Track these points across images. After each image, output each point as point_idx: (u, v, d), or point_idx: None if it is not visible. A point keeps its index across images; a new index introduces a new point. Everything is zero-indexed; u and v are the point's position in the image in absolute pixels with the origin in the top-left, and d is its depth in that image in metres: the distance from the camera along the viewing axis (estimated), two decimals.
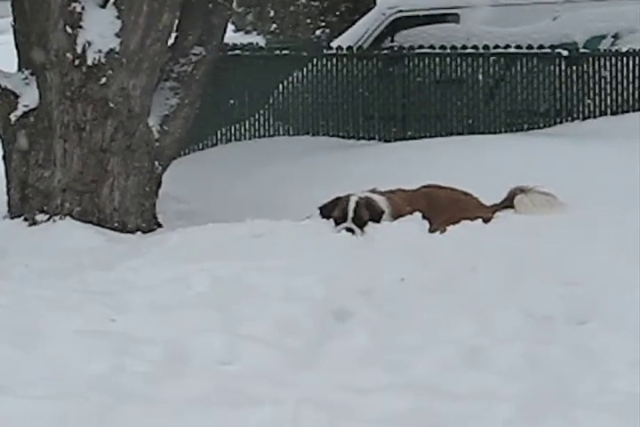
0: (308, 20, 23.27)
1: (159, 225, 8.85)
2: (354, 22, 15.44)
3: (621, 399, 4.44)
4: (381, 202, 7.53)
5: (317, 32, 22.51)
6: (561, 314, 5.73)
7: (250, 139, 12.28)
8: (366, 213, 7.41)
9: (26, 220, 8.57)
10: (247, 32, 25.06)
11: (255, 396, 4.63)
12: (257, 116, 12.39)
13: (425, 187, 7.91)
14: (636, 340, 5.23)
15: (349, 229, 7.33)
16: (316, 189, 8.17)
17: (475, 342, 5.28)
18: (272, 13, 25.08)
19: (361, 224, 7.36)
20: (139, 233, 8.56)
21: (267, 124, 12.39)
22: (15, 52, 8.97)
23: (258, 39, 23.84)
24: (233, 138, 12.31)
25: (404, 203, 7.61)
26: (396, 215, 7.48)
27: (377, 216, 7.43)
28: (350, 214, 7.40)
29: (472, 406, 4.46)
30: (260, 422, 4.29)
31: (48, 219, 8.49)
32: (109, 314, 5.76)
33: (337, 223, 7.41)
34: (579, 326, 5.60)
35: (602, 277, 6.21)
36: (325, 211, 7.58)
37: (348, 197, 7.49)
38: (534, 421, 4.27)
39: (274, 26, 25.21)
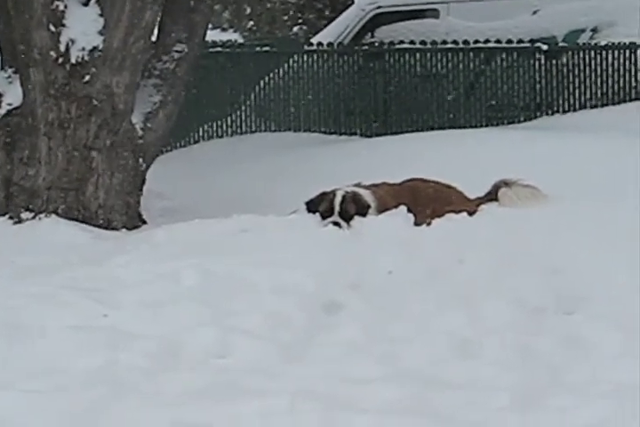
0: (285, 18, 23.26)
1: (144, 222, 8.85)
2: (332, 19, 15.44)
3: (611, 388, 4.48)
4: (367, 196, 7.55)
5: (295, 29, 22.52)
6: (549, 305, 5.76)
7: (232, 135, 12.29)
8: (353, 208, 7.44)
9: (11, 218, 8.56)
10: (224, 29, 25.05)
11: (249, 388, 4.66)
12: (238, 113, 12.39)
13: (409, 181, 7.93)
14: (623, 329, 5.29)
15: (336, 223, 7.35)
16: (301, 185, 8.19)
17: (465, 333, 5.32)
18: (248, 11, 25.06)
19: (347, 218, 7.39)
20: (124, 230, 8.56)
21: (248, 120, 12.40)
22: None
23: (235, 36, 23.84)
24: (215, 135, 12.32)
25: (389, 197, 7.63)
26: (382, 209, 7.50)
27: (363, 210, 7.45)
28: (337, 209, 7.42)
29: (465, 396, 4.50)
30: (255, 414, 4.29)
31: (33, 217, 8.48)
32: (101, 310, 5.77)
33: (323, 218, 7.44)
34: (567, 316, 5.63)
35: (588, 267, 6.23)
36: (312, 205, 7.61)
37: (334, 192, 7.51)
38: (527, 409, 4.30)
39: (250, 23, 25.20)
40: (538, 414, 4.22)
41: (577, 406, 4.26)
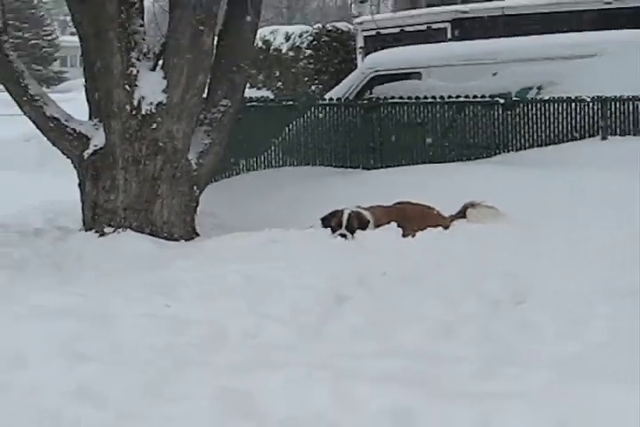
0: (306, 79, 23.30)
1: (197, 234, 8.84)
2: (341, 80, 15.49)
3: (554, 360, 4.50)
4: (367, 215, 7.61)
5: (313, 87, 22.57)
6: (506, 298, 5.81)
7: (264, 169, 12.32)
8: (356, 223, 7.51)
9: (96, 232, 8.54)
10: (259, 88, 25.05)
11: (276, 361, 4.68)
12: (269, 152, 12.42)
13: (398, 203, 7.99)
14: (559, 314, 5.33)
15: (343, 235, 7.44)
16: (316, 206, 8.19)
17: (444, 319, 5.35)
18: (277, 74, 25.12)
19: (352, 231, 7.47)
20: (182, 241, 8.54)
21: (277, 157, 12.41)
22: (86, 105, 8.99)
23: (267, 93, 23.89)
24: (252, 168, 12.34)
25: (383, 215, 7.68)
26: (378, 224, 7.56)
27: (364, 225, 7.52)
28: (344, 224, 7.50)
29: (444, 367, 4.52)
30: (281, 381, 4.30)
31: (113, 231, 8.46)
32: (165, 302, 5.80)
33: (334, 231, 7.50)
34: (518, 305, 5.68)
35: (535, 270, 6.30)
36: (325, 221, 7.67)
37: (342, 211, 7.59)
38: (491, 376, 4.34)
39: (279, 83, 25.25)
40: (497, 381, 4.24)
41: (525, 374, 4.27)
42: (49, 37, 58.46)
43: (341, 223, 7.52)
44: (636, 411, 3.62)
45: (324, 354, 4.82)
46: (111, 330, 5.25)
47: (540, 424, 3.64)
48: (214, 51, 8.93)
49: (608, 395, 3.79)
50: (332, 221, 7.61)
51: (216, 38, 8.91)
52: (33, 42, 53.90)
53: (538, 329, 5.15)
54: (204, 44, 8.61)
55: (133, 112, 8.50)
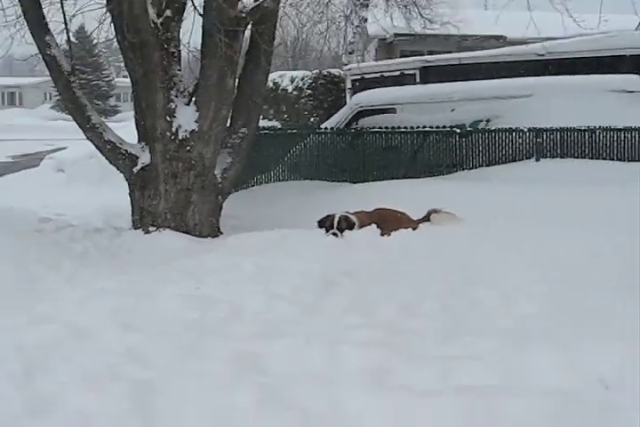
0: (306, 113, 23.30)
1: (221, 233, 8.83)
2: (333, 114, 15.51)
3: (498, 330, 4.52)
4: (353, 218, 7.59)
5: (312, 119, 22.57)
6: (459, 282, 5.77)
7: (273, 182, 12.31)
8: (345, 225, 7.50)
9: (143, 230, 8.55)
10: (269, 120, 25.02)
11: (282, 331, 4.69)
12: (278, 169, 12.41)
13: (378, 209, 7.98)
14: (503, 295, 5.31)
15: (335, 234, 7.42)
16: (314, 211, 8.16)
17: (412, 300, 5.32)
18: (284, 108, 25.11)
19: (341, 231, 7.45)
20: (209, 238, 8.54)
21: (283, 173, 12.38)
22: (135, 131, 9.00)
23: (276, 124, 23.89)
24: (264, 182, 12.32)
25: (365, 218, 7.67)
26: (361, 226, 7.54)
27: (351, 226, 7.51)
28: (335, 225, 7.49)
29: (412, 336, 4.52)
30: (286, 346, 4.32)
31: (156, 230, 8.47)
32: (196, 285, 5.80)
33: (327, 230, 7.49)
34: (469, 287, 5.62)
35: (482, 260, 6.29)
36: (321, 223, 7.66)
37: (333, 215, 7.57)
38: (449, 343, 4.33)
39: (285, 116, 25.24)
40: (454, 346, 4.24)
41: (476, 341, 4.27)
42: (107, 79, 58.47)
43: (333, 225, 7.51)
44: (561, 366, 3.65)
45: (319, 326, 4.81)
46: (154, 306, 5.26)
47: (488, 378, 3.65)
48: (235, 90, 8.91)
49: (540, 354, 3.83)
50: (326, 223, 7.61)
51: (236, 81, 8.88)
52: (94, 82, 53.87)
53: (485, 306, 5.14)
54: (227, 85, 8.62)
55: (172, 137, 8.50)
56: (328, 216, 7.65)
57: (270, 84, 24.70)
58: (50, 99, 59.42)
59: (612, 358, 3.68)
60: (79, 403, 3.52)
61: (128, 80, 9.29)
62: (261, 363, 4.13)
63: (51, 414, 3.44)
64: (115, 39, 8.75)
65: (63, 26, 8.63)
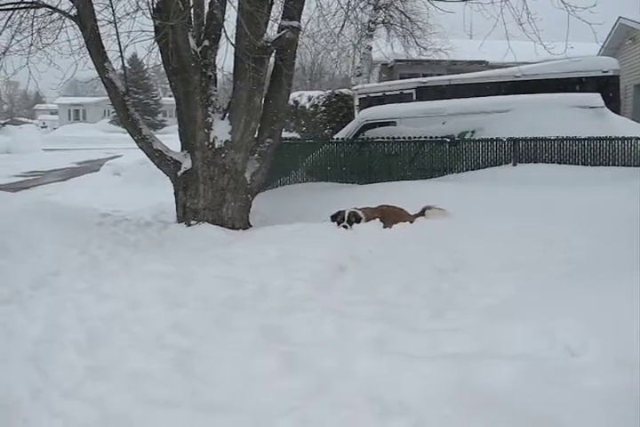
0: (321, 126, 23.26)
1: (250, 226, 8.81)
2: (344, 126, 15.48)
3: (479, 308, 4.50)
4: (360, 213, 7.56)
5: (325, 131, 22.51)
6: (448, 267, 5.75)
7: (294, 184, 12.27)
8: (353, 218, 7.46)
9: (185, 224, 8.56)
10: (290, 131, 24.97)
11: (301, 307, 4.72)
12: (297, 172, 12.37)
13: (381, 206, 7.93)
14: (484, 279, 5.29)
15: (345, 226, 7.39)
16: (327, 208, 8.12)
17: (408, 281, 5.30)
18: (302, 122, 25.07)
19: (350, 223, 7.42)
20: (240, 230, 8.51)
21: (302, 176, 12.33)
22: (179, 142, 9.01)
23: (296, 135, 23.86)
24: (286, 183, 12.28)
25: (370, 214, 7.61)
26: (367, 220, 7.50)
27: (358, 220, 7.47)
28: (345, 219, 7.47)
29: (408, 311, 4.52)
30: (304, 320, 4.35)
31: (196, 223, 8.47)
32: (229, 268, 5.80)
33: (339, 224, 7.46)
34: (456, 273, 5.61)
35: (469, 249, 6.22)
36: (333, 217, 7.62)
37: (344, 211, 7.54)
38: (438, 318, 4.36)
39: (303, 128, 25.19)
40: (442, 321, 4.24)
41: (461, 317, 4.29)
42: (155, 98, 58.54)
43: (344, 218, 7.48)
44: (532, 336, 3.65)
45: (331, 303, 4.81)
46: (194, 286, 5.29)
47: (471, 347, 3.65)
48: (262, 107, 8.89)
49: (513, 327, 3.82)
50: (337, 217, 7.57)
51: (263, 99, 8.88)
52: (145, 101, 53.96)
53: (469, 288, 5.12)
54: (255, 102, 8.61)
55: (209, 146, 8.50)
56: (339, 212, 7.62)
57: (291, 101, 24.68)
58: (108, 115, 59.64)
59: (578, 331, 3.66)
60: (133, 366, 3.56)
61: (173, 99, 9.30)
62: (282, 333, 4.15)
63: (109, 376, 3.48)
64: (161, 65, 8.75)
65: (119, 54, 8.65)
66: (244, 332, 4.15)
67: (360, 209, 7.68)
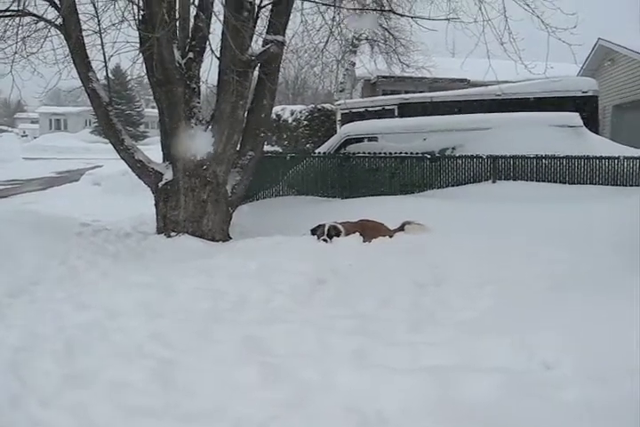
0: (303, 140, 23.33)
1: (230, 238, 8.80)
2: (326, 140, 15.52)
3: (458, 321, 4.53)
4: (340, 227, 7.58)
5: (308, 145, 22.56)
6: (429, 282, 5.76)
7: (274, 197, 12.25)
8: (333, 232, 7.49)
9: (165, 235, 8.53)
10: (272, 145, 24.95)
11: (282, 318, 4.72)
12: (278, 186, 12.36)
13: (361, 220, 7.93)
14: (463, 293, 5.32)
15: (325, 240, 7.41)
16: (308, 221, 8.13)
17: (387, 296, 5.30)
18: (285, 136, 25.10)
19: (330, 237, 7.44)
20: (220, 242, 8.49)
21: (282, 189, 12.32)
22: (161, 153, 9.01)
23: (278, 148, 23.89)
24: (267, 197, 12.26)
25: (351, 228, 7.63)
26: (347, 234, 7.52)
27: (338, 234, 7.49)
28: (325, 232, 7.49)
29: (387, 325, 4.53)
30: (284, 331, 4.34)
31: (176, 235, 8.45)
32: (209, 279, 5.79)
33: (318, 237, 7.48)
34: (437, 287, 5.63)
35: (448, 263, 6.24)
36: (313, 231, 7.64)
37: (324, 224, 7.56)
38: (417, 332, 4.36)
39: (285, 142, 25.21)
40: (421, 334, 4.26)
41: (440, 330, 4.31)
42: (137, 109, 58.42)
43: (324, 232, 7.51)
44: (509, 350, 3.69)
45: (311, 315, 4.81)
46: (174, 297, 5.27)
47: (449, 360, 3.68)
48: (245, 120, 8.92)
49: (491, 341, 3.86)
50: (317, 231, 7.59)
51: (246, 112, 8.90)
52: (127, 112, 53.80)
53: (448, 302, 5.14)
54: (238, 115, 8.64)
55: (192, 158, 8.50)
56: (319, 225, 7.64)
57: (273, 115, 24.75)
58: (90, 125, 59.34)
59: (556, 345, 3.70)
60: (112, 376, 3.54)
61: (156, 111, 9.29)
62: (263, 345, 4.14)
63: (88, 385, 3.45)
64: (145, 76, 8.77)
65: (103, 64, 8.66)
66: (224, 344, 4.14)
67: (340, 223, 7.69)
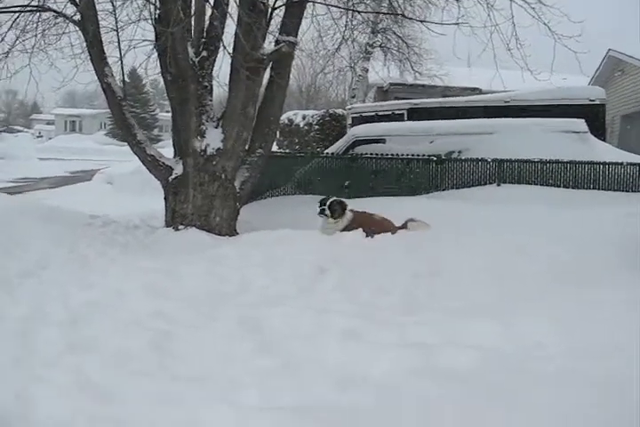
0: (314, 144, 23.42)
1: (237, 233, 8.91)
2: (333, 142, 15.61)
3: (450, 308, 4.61)
4: (346, 202, 7.72)
5: (319, 149, 22.62)
6: (425, 272, 5.84)
7: (282, 196, 12.33)
8: (337, 207, 7.59)
9: (173, 228, 8.66)
10: (284, 149, 24.95)
11: (281, 303, 4.82)
12: (287, 185, 12.44)
13: (365, 212, 7.92)
14: (458, 284, 5.40)
15: (325, 214, 7.52)
16: (316, 220, 8.15)
17: (386, 286, 5.40)
18: (296, 140, 25.20)
19: (333, 211, 7.53)
20: (227, 236, 8.60)
21: (291, 189, 12.40)
22: (172, 150, 9.19)
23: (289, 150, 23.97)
24: (275, 195, 12.32)
25: (359, 219, 7.63)
26: (352, 227, 7.53)
27: (344, 208, 7.61)
28: (327, 203, 7.60)
29: (382, 310, 4.66)
30: (284, 314, 4.46)
31: (184, 228, 8.58)
32: (215, 267, 5.95)
33: (322, 211, 7.59)
34: (432, 277, 5.70)
35: (445, 257, 6.31)
36: (321, 202, 7.71)
37: (330, 197, 7.78)
38: (409, 315, 4.47)
39: (297, 146, 25.28)
40: (413, 317, 4.37)
41: (431, 314, 4.41)
42: (152, 113, 58.91)
43: (324, 204, 7.58)
44: (493, 332, 3.79)
45: (311, 301, 4.93)
46: (180, 282, 5.43)
47: (436, 339, 3.80)
48: (255, 118, 9.06)
49: (478, 325, 3.97)
50: (323, 200, 7.69)
51: (256, 110, 9.03)
52: (141, 115, 54.22)
53: (442, 291, 5.22)
54: (248, 113, 8.79)
55: (202, 154, 8.65)
56: (325, 198, 7.73)
57: (286, 120, 24.92)
58: (105, 127, 59.87)
59: (543, 331, 3.80)
60: (113, 344, 3.69)
61: (169, 114, 9.46)
62: (261, 324, 4.26)
63: (90, 351, 3.60)
64: (159, 75, 8.92)
65: (119, 61, 8.86)
66: (223, 321, 4.29)
67: (356, 211, 7.72)
